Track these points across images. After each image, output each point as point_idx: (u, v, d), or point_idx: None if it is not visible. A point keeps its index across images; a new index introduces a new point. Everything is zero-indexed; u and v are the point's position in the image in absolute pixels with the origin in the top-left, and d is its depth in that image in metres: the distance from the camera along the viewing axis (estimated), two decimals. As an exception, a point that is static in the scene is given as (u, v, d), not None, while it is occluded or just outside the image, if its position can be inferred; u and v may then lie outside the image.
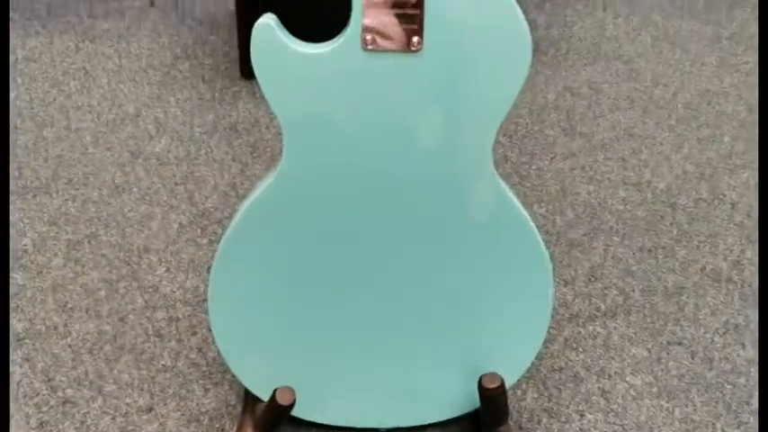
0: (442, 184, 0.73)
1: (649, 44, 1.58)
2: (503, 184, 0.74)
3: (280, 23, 0.70)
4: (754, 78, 1.49)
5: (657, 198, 1.19)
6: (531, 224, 0.75)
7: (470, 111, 0.71)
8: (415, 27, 0.68)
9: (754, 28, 1.64)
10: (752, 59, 1.54)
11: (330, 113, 0.71)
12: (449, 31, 0.68)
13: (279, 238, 0.74)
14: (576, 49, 1.55)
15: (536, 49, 1.54)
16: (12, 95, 1.30)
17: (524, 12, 1.78)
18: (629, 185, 1.22)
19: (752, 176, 1.25)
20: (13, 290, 0.96)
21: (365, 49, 0.68)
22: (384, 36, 0.68)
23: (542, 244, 0.75)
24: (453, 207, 0.74)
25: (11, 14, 1.49)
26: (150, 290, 0.98)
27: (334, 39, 0.70)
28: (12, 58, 1.38)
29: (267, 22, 0.68)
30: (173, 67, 1.40)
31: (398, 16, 0.67)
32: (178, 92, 1.35)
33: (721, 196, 1.20)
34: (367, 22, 0.67)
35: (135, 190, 1.14)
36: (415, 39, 0.68)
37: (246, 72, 1.40)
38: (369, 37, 0.68)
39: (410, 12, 0.67)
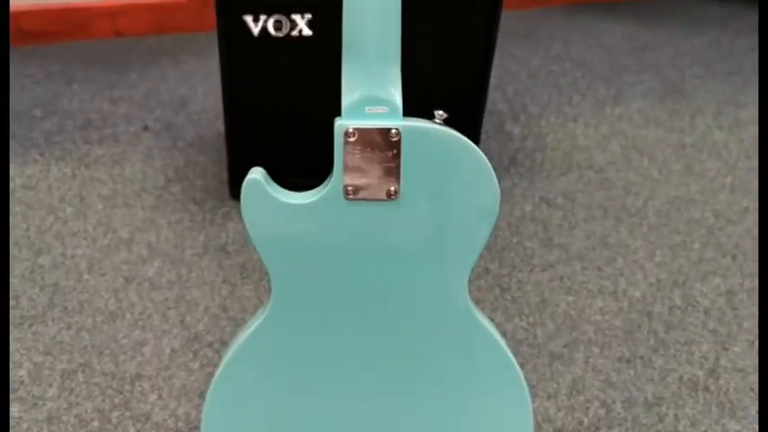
0: (421, 319, 0.77)
1: (619, 153, 1.66)
2: (478, 314, 0.79)
3: (267, 176, 0.76)
4: (719, 184, 1.56)
5: (633, 307, 1.24)
6: (508, 352, 0.79)
7: (446, 252, 0.76)
8: (393, 178, 0.74)
9: (716, 135, 1.73)
10: (714, 166, 1.62)
11: (316, 258, 0.76)
12: (423, 180, 0.74)
13: (269, 374, 0.78)
14: (550, 159, 1.63)
15: (513, 162, 1.62)
16: (9, 223, 1.35)
17: (501, 124, 1.87)
18: (606, 295, 1.27)
19: (722, 283, 1.30)
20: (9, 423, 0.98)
21: (347, 199, 0.74)
22: (364, 187, 0.74)
23: (519, 371, 0.79)
24: (432, 339, 0.78)
25: (9, 144, 1.55)
26: (142, 419, 1.00)
27: (319, 188, 0.76)
28: (10, 186, 1.44)
29: (256, 178, 0.74)
30: (165, 190, 1.46)
31: (377, 169, 0.73)
32: (170, 214, 1.40)
33: (694, 303, 1.25)
34: (348, 175, 0.73)
35: (128, 316, 1.17)
36: (393, 188, 0.74)
37: (235, 192, 1.46)
38: (350, 188, 0.74)
39: (388, 164, 0.73)
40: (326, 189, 0.74)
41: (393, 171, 0.74)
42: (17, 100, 1.70)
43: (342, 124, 0.72)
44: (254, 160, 1.41)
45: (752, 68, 2.02)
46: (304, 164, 1.42)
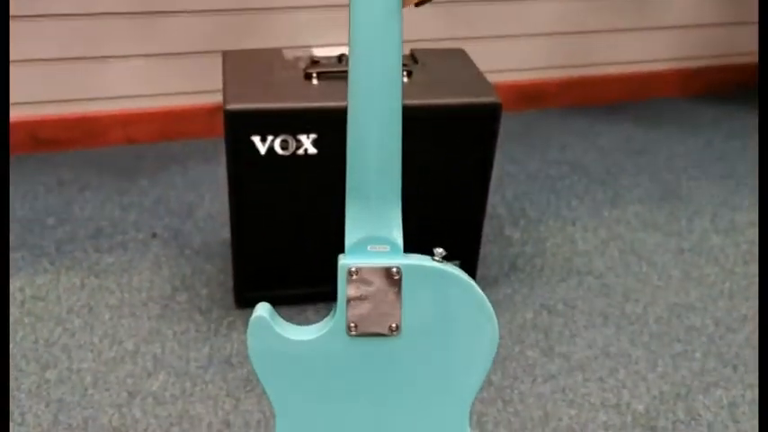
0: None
1: (618, 258, 1.69)
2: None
3: (273, 312, 0.78)
4: (717, 290, 1.58)
5: (637, 421, 1.24)
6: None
7: (447, 385, 0.78)
8: (395, 314, 0.76)
9: (713, 239, 1.76)
10: (712, 271, 1.65)
11: (319, 389, 0.78)
12: (425, 316, 0.77)
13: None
14: (550, 264, 1.66)
15: (514, 267, 1.64)
16: (18, 336, 1.37)
17: (501, 228, 1.90)
18: (609, 408, 1.27)
19: (724, 395, 1.30)
20: None
21: (350, 335, 0.76)
22: (367, 323, 0.76)
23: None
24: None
25: (21, 253, 1.59)
26: None
27: (323, 323, 0.78)
28: (20, 296, 1.47)
29: (262, 315, 0.77)
30: (171, 300, 1.49)
31: (379, 305, 0.76)
32: (176, 324, 1.42)
33: (697, 417, 1.25)
34: (351, 312, 0.76)
35: (132, 432, 1.18)
36: (395, 324, 0.77)
37: (240, 302, 1.49)
38: (353, 324, 0.76)
39: (390, 301, 0.76)
40: (330, 325, 0.77)
41: (395, 307, 0.76)
42: (31, 208, 1.75)
43: (345, 263, 0.75)
44: (259, 271, 1.45)
45: (745, 170, 2.07)
46: (308, 274, 1.46)
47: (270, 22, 2.03)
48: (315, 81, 1.36)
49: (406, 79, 1.39)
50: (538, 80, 2.37)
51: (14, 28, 1.83)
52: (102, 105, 2.00)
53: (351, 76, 0.74)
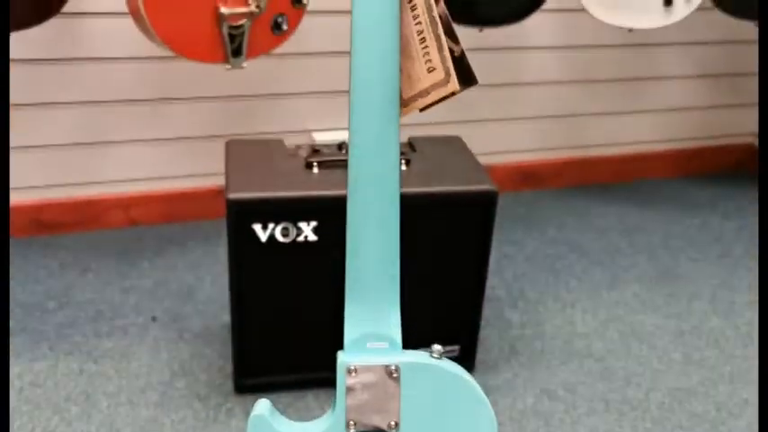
0: None
1: (618, 340, 1.69)
2: None
3: (272, 410, 0.78)
4: (718, 374, 1.58)
5: None
6: None
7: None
8: (394, 410, 0.77)
9: (713, 321, 1.77)
10: (712, 354, 1.64)
11: (318, 491, 0.77)
12: (423, 412, 0.77)
13: None
14: (549, 347, 1.65)
15: (514, 351, 1.64)
16: (16, 425, 1.36)
17: (500, 311, 1.90)
18: (612, 498, 1.25)
19: (729, 484, 1.28)
20: None
21: (348, 433, 0.76)
22: (365, 420, 0.76)
23: None
24: None
25: (21, 338, 1.59)
26: None
27: (322, 419, 0.79)
28: (18, 384, 1.46)
29: (261, 414, 0.77)
30: (170, 386, 1.48)
31: (378, 402, 0.76)
32: (174, 412, 1.41)
33: (703, 508, 1.23)
34: (350, 409, 0.76)
35: None
36: (394, 420, 0.77)
37: (240, 387, 1.48)
38: (352, 421, 0.76)
39: (389, 398, 0.76)
40: (330, 421, 0.77)
41: (394, 404, 0.77)
42: (32, 292, 1.75)
43: (344, 361, 0.76)
44: (259, 357, 1.45)
45: (742, 251, 2.09)
46: (308, 360, 1.45)
47: (272, 108, 2.08)
48: (315, 170, 1.39)
49: (404, 167, 1.42)
50: (535, 161, 2.42)
51: (21, 115, 1.87)
52: (105, 188, 2.04)
53: (350, 170, 0.77)
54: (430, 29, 0.77)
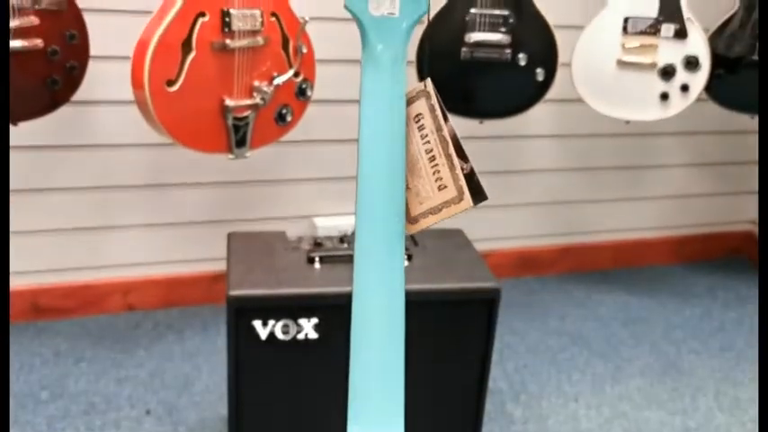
0: None
1: (622, 438, 1.65)
2: None
3: None
4: (728, 477, 1.54)
5: None
6: None
7: None
8: None
9: (718, 418, 1.73)
10: (721, 456, 1.61)
11: None
12: None
13: None
14: (553, 445, 1.62)
15: (515, 448, 1.60)
16: None
17: (502, 405, 1.86)
18: None
19: None
20: None
21: None
22: None
23: None
24: None
25: (12, 430, 1.56)
26: None
27: None
28: (6, 482, 1.42)
29: None
30: (163, 485, 1.44)
31: None
32: None
33: None
34: None
35: None
36: None
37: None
38: None
39: None
40: None
41: None
42: (25, 381, 1.72)
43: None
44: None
45: (744, 343, 2.07)
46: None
47: (273, 194, 2.10)
48: (317, 265, 1.38)
49: (406, 263, 1.41)
50: (535, 248, 2.42)
51: (21, 200, 1.88)
52: (104, 273, 2.03)
53: (355, 286, 0.77)
54: (440, 148, 0.78)
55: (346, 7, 0.77)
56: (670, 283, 2.42)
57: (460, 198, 0.78)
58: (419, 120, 0.80)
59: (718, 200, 2.58)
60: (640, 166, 2.45)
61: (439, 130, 0.78)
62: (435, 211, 0.79)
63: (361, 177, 0.78)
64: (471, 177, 0.78)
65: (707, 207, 2.57)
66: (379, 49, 0.77)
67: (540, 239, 2.42)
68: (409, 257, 1.43)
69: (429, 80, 0.79)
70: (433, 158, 0.78)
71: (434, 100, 0.78)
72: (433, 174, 0.78)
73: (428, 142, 0.79)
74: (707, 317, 2.21)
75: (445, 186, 0.78)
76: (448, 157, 0.77)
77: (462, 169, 0.78)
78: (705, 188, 2.54)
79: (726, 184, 2.56)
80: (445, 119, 0.77)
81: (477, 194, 0.79)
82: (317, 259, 1.39)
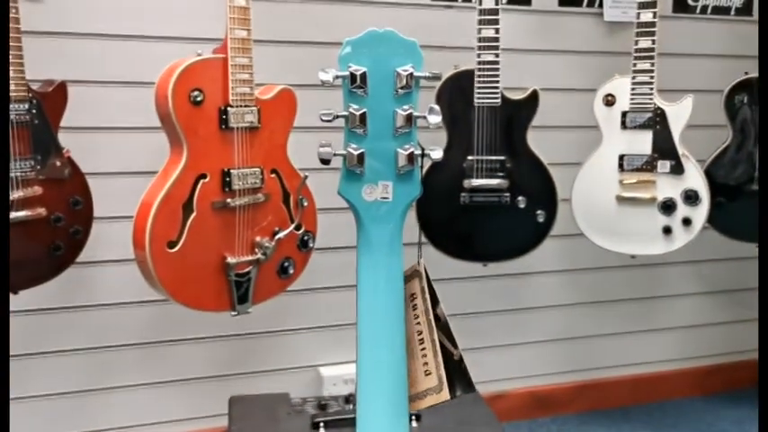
0: None
1: None
2: None
3: None
4: None
5: None
6: None
7: None
8: None
9: None
10: None
11: None
12: None
13: None
14: None
15: None
16: None
17: None
18: None
19: None
20: None
21: None
22: None
23: None
24: None
25: None
26: None
27: None
28: None
29: None
30: None
31: None
32: None
33: None
34: None
35: None
36: None
37: None
38: None
39: None
40: None
41: None
42: None
43: None
44: None
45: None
46: None
47: (276, 345, 2.06)
48: (322, 431, 1.33)
49: (415, 424, 1.36)
50: (548, 387, 2.34)
51: (21, 365, 1.85)
52: (107, 436, 1.97)
53: None
54: (427, 331, 0.76)
55: (340, 194, 0.77)
56: (693, 418, 2.32)
57: (440, 388, 0.75)
58: (413, 299, 0.78)
59: (734, 328, 2.51)
60: (651, 297, 2.41)
61: (427, 313, 0.76)
62: (421, 396, 0.76)
63: (360, 360, 0.76)
64: (459, 365, 0.76)
65: (723, 335, 2.51)
66: (373, 231, 0.76)
67: (555, 378, 2.35)
68: (417, 418, 1.38)
69: (422, 261, 0.78)
70: (422, 341, 0.76)
71: (425, 282, 0.76)
72: (422, 357, 0.76)
73: (419, 323, 0.77)
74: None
75: (430, 372, 0.75)
76: (432, 342, 0.74)
77: (452, 355, 0.75)
78: (719, 316, 2.49)
79: (739, 311, 2.50)
80: (434, 302, 0.76)
81: (464, 384, 0.76)
82: (321, 425, 1.34)
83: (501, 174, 1.83)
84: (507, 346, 2.27)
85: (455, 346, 0.76)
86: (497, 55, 1.80)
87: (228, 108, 1.58)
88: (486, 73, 1.81)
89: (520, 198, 1.84)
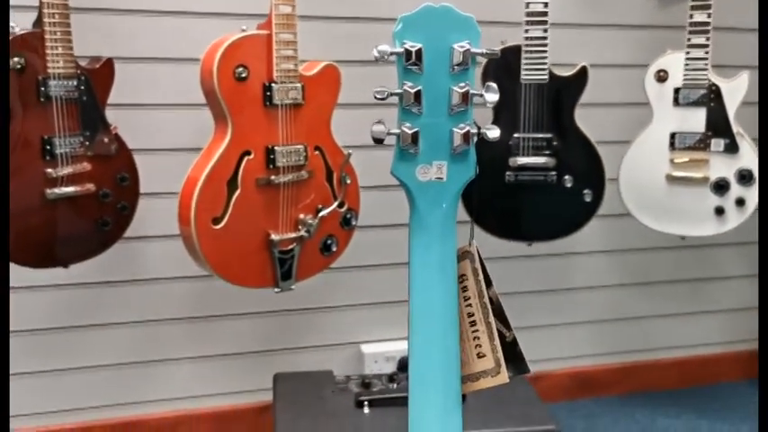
0: None
1: None
2: None
3: None
4: None
5: None
6: None
7: None
8: None
9: None
10: None
11: None
12: None
13: None
14: None
15: None
16: None
17: None
18: None
19: None
20: None
21: None
22: None
23: None
24: None
25: None
26: None
27: None
28: None
29: None
30: None
31: None
32: None
33: None
34: None
35: None
36: None
37: None
38: None
39: None
40: None
41: None
42: None
43: None
44: None
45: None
46: None
47: (319, 321, 2.06)
48: (366, 409, 1.33)
49: (458, 404, 1.35)
50: (591, 367, 2.31)
51: (70, 337, 1.88)
52: (151, 408, 1.99)
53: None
54: (481, 314, 0.74)
55: (393, 174, 0.75)
56: (743, 402, 2.27)
57: (497, 371, 0.73)
58: (463, 281, 0.77)
59: (785, 311, 2.45)
60: (700, 279, 2.36)
61: (481, 295, 0.74)
62: (473, 378, 0.75)
63: (413, 342, 0.75)
64: (513, 347, 0.74)
65: (774, 319, 2.44)
66: (427, 213, 0.74)
67: (598, 359, 2.32)
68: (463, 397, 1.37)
69: (474, 243, 0.76)
70: (473, 323, 0.74)
71: (478, 264, 0.75)
72: (473, 339, 0.74)
73: (470, 305, 0.75)
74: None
75: (484, 355, 0.74)
76: (488, 324, 0.73)
77: (505, 337, 0.74)
78: (770, 299, 2.42)
79: (792, 293, 2.44)
80: (488, 284, 0.74)
81: (518, 366, 0.74)
82: (365, 403, 1.34)
83: (547, 152, 1.79)
84: (550, 326, 2.25)
85: (508, 328, 0.74)
86: (546, 30, 1.76)
87: (273, 84, 1.57)
88: (533, 49, 1.77)
89: (566, 177, 1.80)
